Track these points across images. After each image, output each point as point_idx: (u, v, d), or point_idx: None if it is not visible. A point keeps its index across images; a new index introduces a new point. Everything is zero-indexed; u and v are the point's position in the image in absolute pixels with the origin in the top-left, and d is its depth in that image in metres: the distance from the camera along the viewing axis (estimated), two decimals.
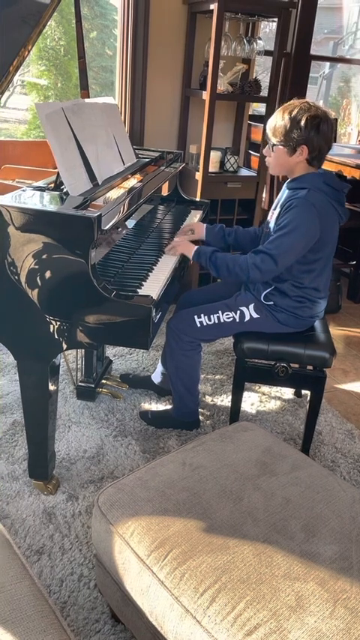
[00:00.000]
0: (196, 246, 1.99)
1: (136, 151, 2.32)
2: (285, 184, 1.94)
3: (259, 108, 4.37)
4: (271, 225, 1.93)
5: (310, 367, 2.04)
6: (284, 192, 1.92)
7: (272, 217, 1.96)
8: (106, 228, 1.49)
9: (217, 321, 1.99)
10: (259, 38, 3.17)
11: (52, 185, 1.71)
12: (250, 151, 3.73)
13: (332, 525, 1.23)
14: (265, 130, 1.92)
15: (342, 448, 2.20)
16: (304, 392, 2.52)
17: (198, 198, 2.82)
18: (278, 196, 1.99)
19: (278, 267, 1.83)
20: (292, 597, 1.05)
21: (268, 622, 1.01)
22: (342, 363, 2.89)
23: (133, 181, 1.99)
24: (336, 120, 4.52)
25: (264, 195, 3.30)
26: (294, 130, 1.77)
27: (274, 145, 1.84)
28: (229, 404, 2.18)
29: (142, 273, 1.75)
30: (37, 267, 1.48)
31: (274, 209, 1.97)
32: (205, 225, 2.17)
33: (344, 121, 8.21)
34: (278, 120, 1.81)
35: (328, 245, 1.88)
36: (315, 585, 1.08)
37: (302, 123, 1.75)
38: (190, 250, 1.98)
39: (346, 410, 2.48)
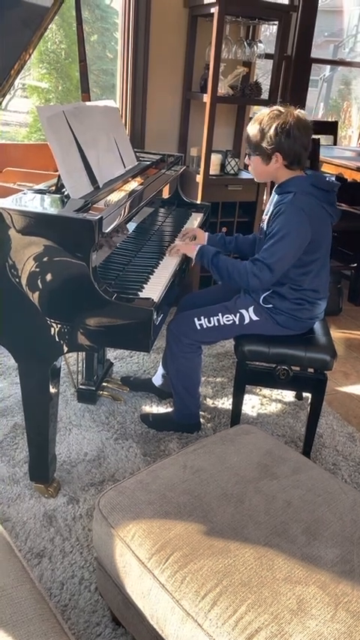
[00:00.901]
0: (199, 245, 2.00)
1: (137, 153, 2.32)
2: (274, 190, 1.96)
3: (260, 111, 4.38)
4: (265, 230, 1.95)
5: (310, 370, 2.04)
6: (273, 198, 1.94)
7: (264, 223, 1.98)
8: (106, 231, 1.49)
9: (216, 324, 1.99)
10: (260, 41, 3.18)
11: (53, 188, 1.71)
12: None
13: (333, 528, 1.23)
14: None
15: (343, 451, 2.20)
16: (304, 394, 2.52)
17: (199, 201, 2.82)
18: (268, 202, 2.01)
19: (274, 275, 1.85)
20: (294, 601, 1.05)
21: (269, 625, 1.01)
22: (343, 366, 2.88)
23: (133, 184, 1.99)
24: (336, 122, 4.53)
25: (265, 197, 3.31)
26: (264, 140, 1.81)
27: (249, 155, 1.90)
28: (230, 406, 2.18)
29: (143, 275, 1.75)
30: (38, 269, 1.48)
31: (266, 214, 1.99)
32: (207, 233, 2.18)
33: (345, 123, 8.22)
34: (251, 130, 1.86)
35: (322, 246, 1.89)
36: (316, 589, 1.08)
37: (271, 131, 1.79)
38: (193, 250, 1.99)
39: (347, 412, 2.48)
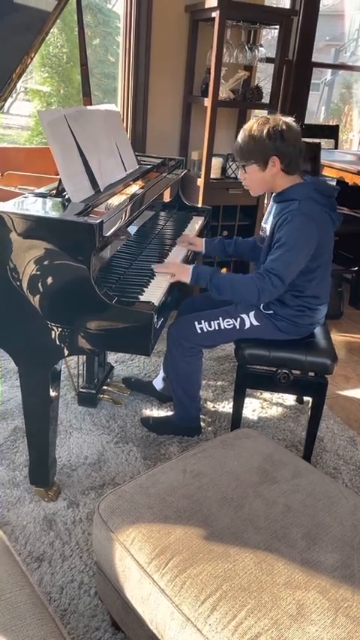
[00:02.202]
0: (192, 267, 1.88)
1: (138, 157, 2.33)
2: (272, 199, 1.95)
3: (261, 114, 4.38)
4: (266, 240, 1.94)
5: (311, 373, 2.04)
6: (273, 207, 1.93)
7: (265, 232, 1.97)
8: (107, 234, 1.49)
9: (217, 328, 1.98)
10: (261, 45, 3.18)
11: (54, 192, 1.72)
12: None
13: (334, 533, 1.22)
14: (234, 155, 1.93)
15: (344, 455, 2.19)
16: (305, 398, 2.51)
17: (200, 205, 2.83)
18: (267, 211, 2.00)
19: (285, 285, 1.82)
20: (293, 606, 1.05)
21: (269, 631, 1.00)
22: (343, 370, 2.88)
23: (134, 188, 1.99)
24: (337, 126, 4.53)
25: (265, 201, 3.31)
26: (259, 145, 1.80)
27: (244, 165, 1.87)
28: (231, 410, 2.18)
29: (143, 279, 1.75)
30: (38, 273, 1.48)
31: (265, 223, 1.98)
32: (203, 239, 2.17)
33: (346, 127, 8.23)
34: (242, 140, 1.84)
35: (325, 252, 1.89)
36: (316, 594, 1.08)
37: (264, 135, 1.78)
38: (187, 274, 1.86)
39: (348, 416, 2.48)
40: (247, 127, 1.86)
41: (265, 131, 1.79)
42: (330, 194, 1.87)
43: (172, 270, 1.85)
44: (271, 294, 1.83)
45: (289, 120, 1.82)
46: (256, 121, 1.83)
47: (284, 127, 1.79)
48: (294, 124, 1.83)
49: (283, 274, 1.80)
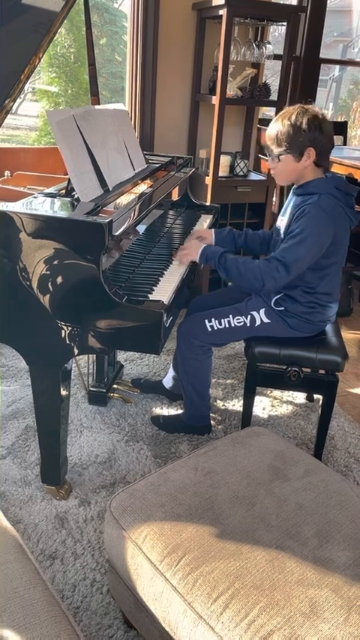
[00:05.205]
0: (203, 246, 1.95)
1: (146, 156, 2.33)
2: (292, 191, 1.93)
3: (269, 112, 4.37)
4: (282, 231, 1.93)
5: (322, 371, 2.03)
6: (292, 199, 1.92)
7: (282, 223, 1.96)
8: (117, 233, 1.50)
9: (227, 326, 1.98)
10: (269, 42, 3.17)
11: (64, 191, 1.72)
12: (260, 155, 3.72)
13: (346, 531, 1.22)
14: (265, 141, 1.90)
15: (355, 453, 2.18)
16: (316, 396, 2.51)
17: (208, 203, 2.82)
18: (286, 203, 1.98)
19: (290, 276, 1.81)
20: (306, 603, 1.05)
21: (281, 628, 1.00)
22: (354, 367, 2.87)
23: (143, 187, 1.99)
24: (346, 123, 4.51)
25: (274, 198, 3.30)
26: (298, 134, 1.76)
27: (279, 154, 1.82)
28: (241, 408, 2.18)
29: (152, 278, 1.75)
30: (48, 272, 1.49)
31: (282, 215, 1.97)
32: (213, 230, 2.17)
33: (354, 123, 8.19)
34: (279, 128, 1.79)
35: (340, 250, 1.87)
36: (329, 592, 1.07)
37: (304, 125, 1.75)
38: (197, 252, 1.93)
39: (359, 414, 2.47)
40: (284, 114, 1.80)
41: (304, 121, 1.75)
42: (349, 192, 1.84)
43: (188, 249, 1.94)
44: (275, 282, 1.82)
45: (325, 112, 1.80)
46: (295, 109, 1.78)
47: (322, 118, 1.77)
48: (328, 117, 1.81)
49: (290, 264, 1.79)
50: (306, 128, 1.75)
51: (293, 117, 1.77)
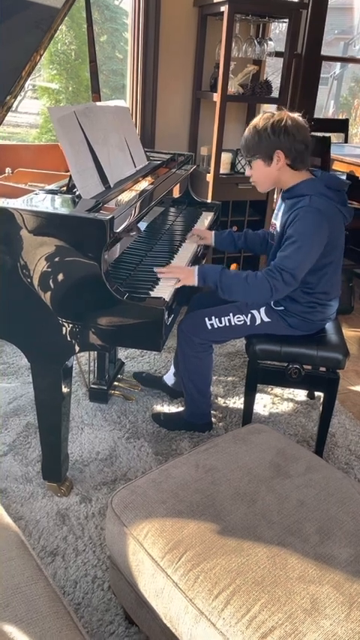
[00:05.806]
0: (195, 268, 1.82)
1: (148, 153, 2.33)
2: (280, 196, 1.94)
3: (270, 109, 4.37)
4: (276, 237, 1.93)
5: (323, 369, 2.03)
6: (281, 205, 1.92)
7: (275, 228, 1.97)
8: (118, 230, 1.50)
9: (227, 324, 1.98)
10: (270, 39, 3.17)
11: (65, 188, 1.72)
12: None
13: (347, 528, 1.22)
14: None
15: (356, 450, 2.18)
16: (317, 393, 2.51)
17: (209, 200, 2.82)
18: (276, 209, 1.99)
19: (296, 282, 1.81)
20: (307, 600, 1.05)
21: (283, 625, 1.00)
22: (355, 365, 2.87)
23: (144, 184, 1.99)
24: (347, 120, 4.50)
25: (275, 196, 3.30)
26: (263, 139, 1.80)
27: (250, 161, 1.87)
28: (242, 406, 2.18)
29: (154, 275, 1.75)
30: (49, 269, 1.49)
31: (275, 219, 1.98)
32: (213, 231, 2.17)
33: (355, 121, 8.17)
34: (247, 136, 1.85)
35: (337, 248, 1.87)
36: (330, 588, 1.07)
37: (268, 130, 1.79)
38: (192, 277, 1.80)
39: None
40: (252, 122, 1.87)
41: (269, 125, 1.79)
42: (340, 188, 1.85)
43: (177, 274, 1.78)
44: (284, 292, 1.82)
45: (296, 115, 1.82)
46: (261, 117, 1.84)
47: (289, 121, 1.79)
48: (301, 119, 1.82)
49: (295, 271, 1.78)
50: (270, 132, 1.79)
51: (259, 123, 1.82)
